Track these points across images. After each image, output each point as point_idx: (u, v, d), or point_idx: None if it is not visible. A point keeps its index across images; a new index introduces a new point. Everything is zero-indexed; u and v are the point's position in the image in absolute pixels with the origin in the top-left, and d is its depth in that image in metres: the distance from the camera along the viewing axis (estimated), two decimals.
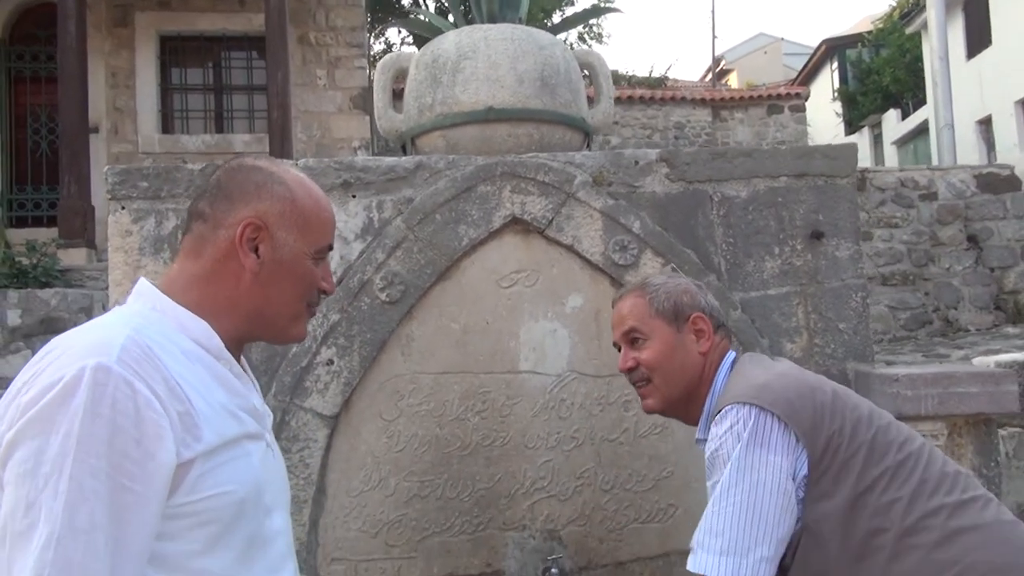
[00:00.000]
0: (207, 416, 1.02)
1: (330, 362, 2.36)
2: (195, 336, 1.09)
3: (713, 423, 1.50)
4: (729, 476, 1.40)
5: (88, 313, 5.92)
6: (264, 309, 1.16)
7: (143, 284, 1.14)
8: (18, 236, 7.66)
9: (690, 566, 1.41)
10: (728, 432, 1.44)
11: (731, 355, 1.68)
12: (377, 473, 2.37)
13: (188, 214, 1.20)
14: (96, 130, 9.18)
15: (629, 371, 1.70)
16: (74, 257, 7.28)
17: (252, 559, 1.06)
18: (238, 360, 1.18)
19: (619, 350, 1.74)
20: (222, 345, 1.11)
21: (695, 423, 1.68)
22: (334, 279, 1.25)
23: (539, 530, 2.40)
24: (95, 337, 0.99)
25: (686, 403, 1.67)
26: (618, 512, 2.42)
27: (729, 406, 1.47)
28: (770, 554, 1.38)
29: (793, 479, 1.41)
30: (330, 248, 1.23)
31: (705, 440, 1.60)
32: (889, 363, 2.77)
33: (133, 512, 0.92)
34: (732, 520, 1.38)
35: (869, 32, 20.55)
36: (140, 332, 1.02)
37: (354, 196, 2.44)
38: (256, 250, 1.14)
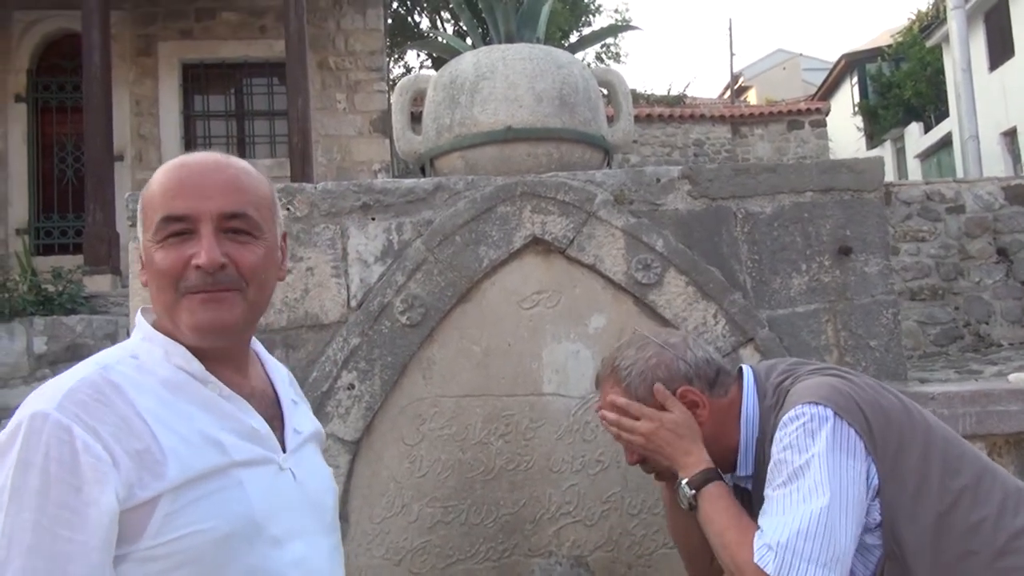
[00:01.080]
0: (176, 451, 0.96)
1: (351, 386, 2.33)
2: (178, 363, 1.05)
3: (779, 424, 1.41)
4: (817, 476, 1.31)
5: (113, 339, 5.95)
6: (160, 318, 1.09)
7: (138, 316, 1.12)
8: (44, 264, 7.75)
9: (771, 567, 1.29)
10: (800, 429, 1.36)
11: (749, 389, 1.56)
12: (400, 499, 2.33)
13: None
14: (121, 158, 9.30)
15: (640, 463, 1.61)
16: (99, 284, 7.35)
17: None
18: (244, 378, 1.12)
19: None
20: (203, 368, 1.05)
21: (727, 470, 1.59)
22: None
23: (565, 556, 2.35)
24: (53, 385, 0.97)
25: (720, 460, 1.55)
26: (646, 537, 2.36)
27: (800, 406, 1.38)
28: (847, 571, 1.31)
29: (868, 491, 1.34)
30: (176, 219, 1.04)
31: (748, 477, 1.54)
32: (923, 381, 2.70)
33: (76, 563, 0.88)
34: (827, 528, 1.28)
35: (889, 46, 20.45)
36: (109, 369, 0.99)
37: (373, 219, 2.42)
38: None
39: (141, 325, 1.10)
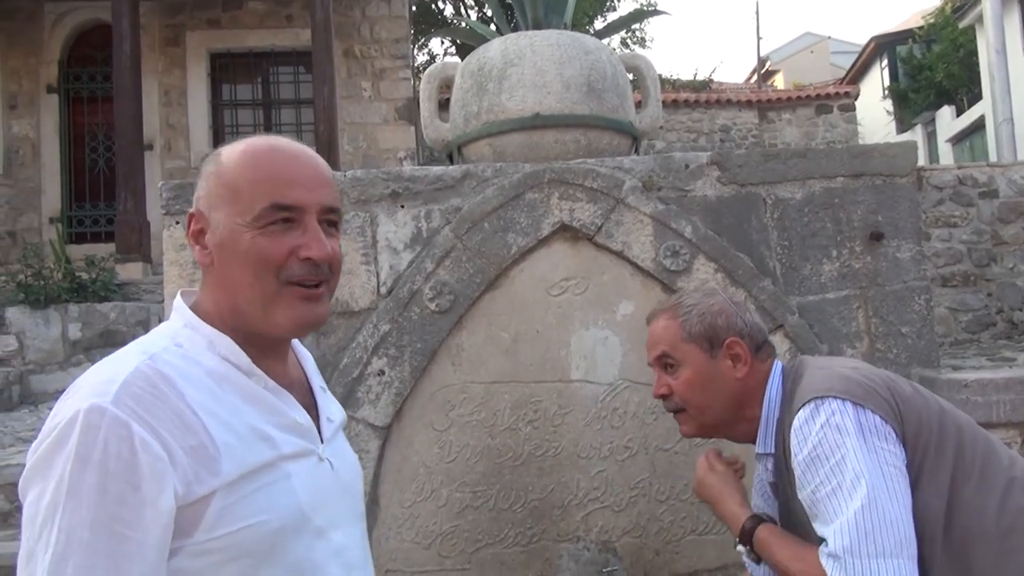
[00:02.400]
0: (229, 445, 0.95)
1: (381, 372, 2.35)
2: (223, 354, 1.02)
3: (795, 425, 1.41)
4: (861, 471, 1.30)
5: (145, 326, 6.06)
6: (234, 305, 1.03)
7: (178, 299, 1.08)
8: (78, 252, 7.88)
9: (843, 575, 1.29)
10: (825, 426, 1.35)
11: (778, 368, 1.59)
12: (429, 484, 2.36)
13: None
14: (150, 147, 9.42)
15: (663, 397, 1.62)
16: (131, 271, 7.47)
17: None
18: (282, 370, 1.10)
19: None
20: (250, 361, 1.03)
21: (746, 441, 1.61)
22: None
23: (594, 541, 2.36)
24: (102, 373, 0.94)
25: (729, 426, 1.60)
26: (674, 523, 2.37)
27: (815, 402, 1.38)
28: (915, 550, 1.29)
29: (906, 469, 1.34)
30: (287, 208, 1.02)
31: (767, 454, 1.55)
32: (955, 368, 2.67)
33: (134, 561, 0.87)
34: (882, 517, 1.28)
35: (920, 27, 20.05)
36: (157, 359, 0.96)
37: (402, 206, 2.44)
38: (203, 242, 1.04)
39: (181, 310, 1.06)
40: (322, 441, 1.10)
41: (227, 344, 1.02)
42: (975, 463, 1.36)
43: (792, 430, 1.42)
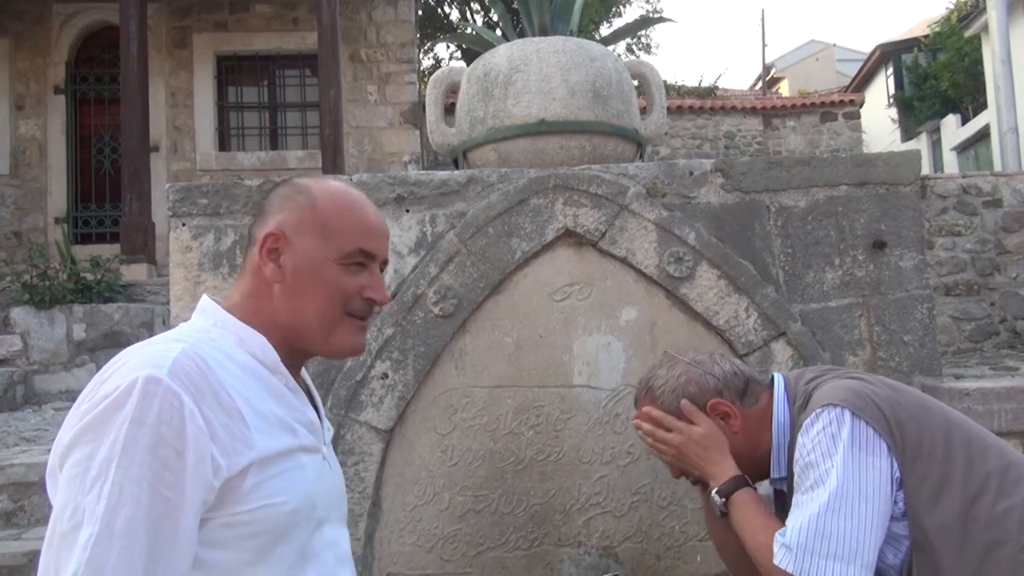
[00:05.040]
0: (260, 427, 1.04)
1: (385, 376, 2.37)
2: (252, 350, 1.11)
3: (800, 432, 1.46)
4: (837, 477, 1.35)
5: (149, 327, 6.08)
6: (296, 321, 1.15)
7: (206, 301, 1.17)
8: (83, 252, 7.91)
9: (791, 567, 1.35)
10: (821, 434, 1.40)
11: (779, 394, 1.60)
12: (432, 487, 2.36)
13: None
14: (156, 149, 9.47)
15: (683, 476, 1.67)
16: (136, 273, 7.49)
17: (303, 571, 1.07)
18: (297, 375, 1.19)
19: None
20: (278, 359, 1.13)
21: (765, 475, 1.63)
22: (388, 293, 1.22)
23: (595, 546, 2.37)
24: (153, 350, 1.03)
25: (755, 471, 1.61)
26: (676, 529, 2.37)
27: (817, 410, 1.43)
28: (872, 561, 1.34)
29: (891, 484, 1.37)
30: (367, 254, 1.18)
31: (782, 479, 1.57)
32: (957, 377, 2.67)
33: (169, 520, 0.94)
34: (843, 523, 1.33)
35: (926, 36, 20.06)
36: (196, 346, 1.04)
37: (407, 210, 2.45)
38: (279, 260, 1.15)
39: (213, 311, 1.15)
40: (324, 443, 1.21)
41: (259, 341, 1.13)
42: (989, 475, 1.38)
43: (800, 434, 1.46)
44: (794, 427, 1.53)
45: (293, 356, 1.18)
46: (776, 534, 1.40)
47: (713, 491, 1.57)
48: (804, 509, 1.37)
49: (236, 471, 0.99)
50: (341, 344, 1.18)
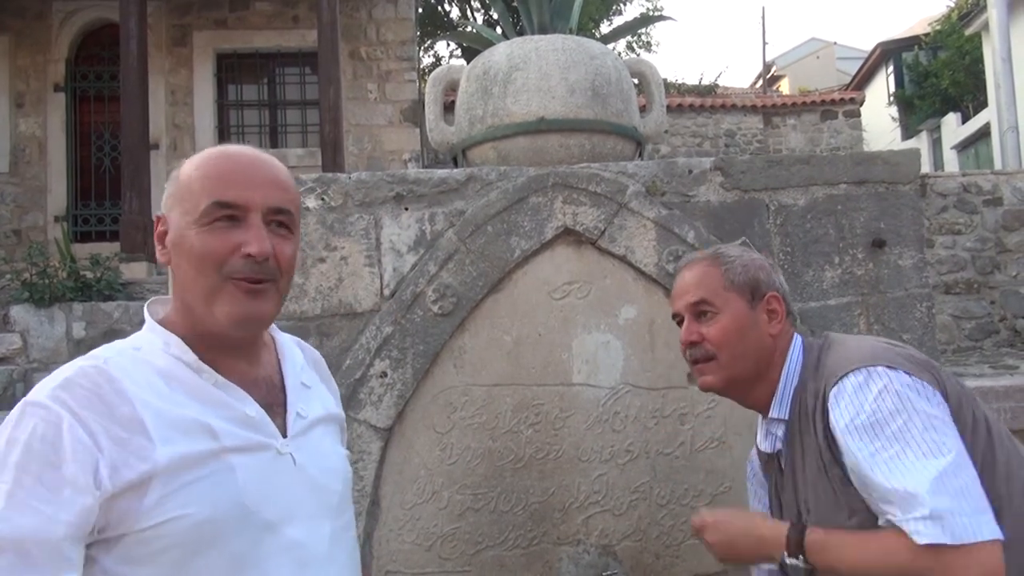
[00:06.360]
0: (168, 437, 1.00)
1: (383, 374, 2.36)
2: (175, 352, 1.08)
3: (842, 391, 1.37)
4: (933, 432, 1.27)
5: None
6: (184, 299, 1.10)
7: (145, 306, 1.16)
8: (82, 250, 7.90)
9: (945, 537, 1.19)
10: (884, 393, 1.32)
11: (799, 338, 1.58)
12: (430, 486, 2.36)
13: None
14: (156, 147, 9.46)
15: (691, 345, 1.57)
16: (135, 271, 7.49)
17: None
18: (247, 363, 1.14)
19: (679, 322, 1.61)
20: (197, 359, 1.08)
21: (754, 405, 1.59)
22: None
23: (594, 545, 2.37)
24: (55, 375, 1.03)
25: (749, 385, 1.55)
26: (675, 528, 2.37)
27: (865, 370, 1.36)
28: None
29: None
30: (228, 206, 1.07)
31: (780, 420, 1.53)
32: (957, 375, 2.67)
33: (39, 533, 0.92)
34: (969, 475, 1.24)
35: (926, 34, 20.05)
36: (109, 362, 1.04)
37: (406, 209, 2.45)
38: (164, 243, 1.12)
39: (146, 315, 1.14)
40: (285, 435, 1.12)
41: (176, 343, 1.09)
42: (1006, 443, 1.37)
43: (834, 397, 1.38)
44: (804, 374, 1.50)
45: (226, 347, 1.11)
46: (901, 517, 1.24)
47: (785, 558, 1.39)
48: (910, 472, 1.24)
49: (122, 485, 0.96)
50: (223, 317, 1.07)
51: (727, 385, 1.56)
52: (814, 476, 1.44)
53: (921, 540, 1.20)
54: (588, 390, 2.41)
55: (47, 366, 6.02)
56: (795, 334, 1.59)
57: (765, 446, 1.60)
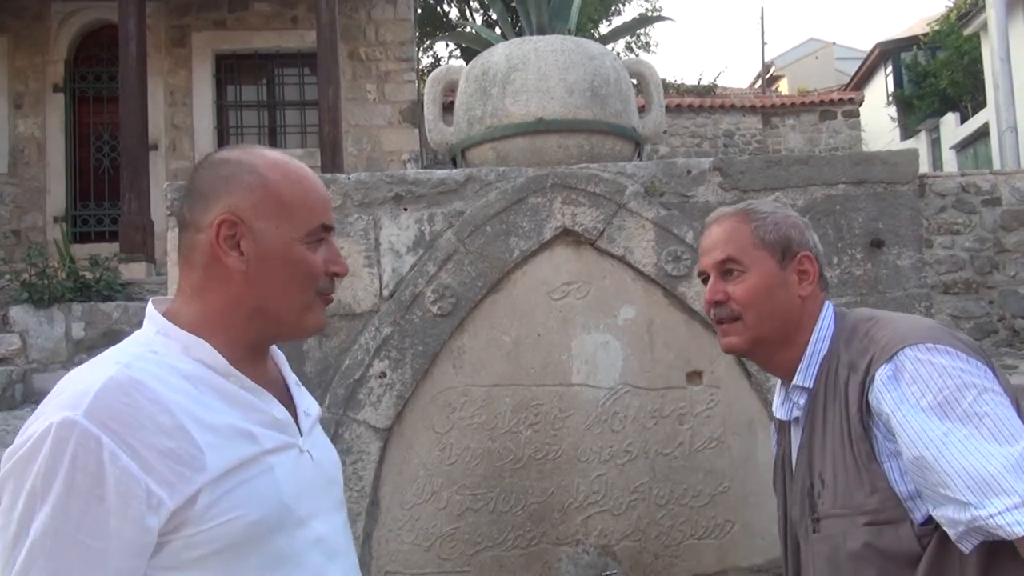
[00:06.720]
0: (212, 443, 0.99)
1: (383, 375, 2.37)
2: (199, 357, 1.05)
3: (901, 367, 1.30)
4: (1003, 411, 1.21)
5: None
6: (265, 307, 1.10)
7: (150, 307, 1.11)
8: (82, 251, 7.91)
9: None
10: (964, 368, 1.26)
11: (830, 305, 1.51)
12: (430, 486, 2.37)
13: (177, 222, 1.16)
14: (155, 147, 9.46)
15: (716, 304, 1.50)
16: (134, 271, 7.50)
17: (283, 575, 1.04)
18: (263, 367, 1.15)
19: (704, 280, 1.53)
20: (227, 363, 1.06)
21: (776, 370, 1.52)
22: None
23: (593, 545, 2.37)
24: (77, 383, 0.97)
25: (775, 348, 1.48)
26: (674, 528, 2.37)
27: (926, 345, 1.30)
28: None
29: None
30: (326, 228, 1.14)
31: (803, 388, 1.46)
32: None
33: (95, 568, 0.91)
34: None
35: (925, 34, 20.07)
36: (131, 367, 0.99)
37: (405, 209, 2.45)
38: (239, 247, 1.08)
39: (154, 318, 1.09)
40: (301, 434, 1.15)
41: (203, 348, 1.06)
42: None
43: (892, 373, 1.31)
44: (833, 344, 1.44)
45: (255, 348, 1.13)
46: (979, 505, 1.16)
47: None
48: (997, 457, 1.18)
49: (184, 500, 0.95)
50: (312, 325, 1.16)
51: (752, 347, 1.50)
52: (835, 449, 1.38)
53: (1021, 531, 1.13)
54: (587, 390, 2.41)
55: (46, 366, 6.02)
56: (826, 301, 1.51)
57: (781, 413, 1.54)
